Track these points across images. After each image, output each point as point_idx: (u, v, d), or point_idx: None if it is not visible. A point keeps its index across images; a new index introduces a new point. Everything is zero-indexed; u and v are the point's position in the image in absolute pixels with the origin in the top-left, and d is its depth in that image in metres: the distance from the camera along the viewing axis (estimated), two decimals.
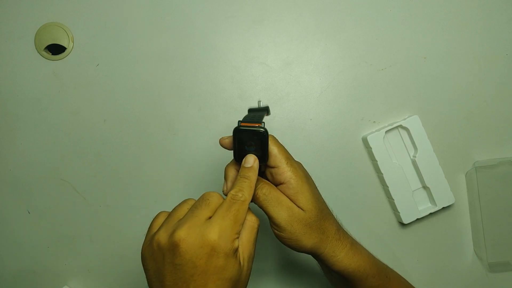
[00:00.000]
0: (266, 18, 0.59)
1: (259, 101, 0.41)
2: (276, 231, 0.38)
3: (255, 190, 0.38)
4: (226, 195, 0.39)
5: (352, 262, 0.40)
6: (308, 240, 0.38)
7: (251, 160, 0.38)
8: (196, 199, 0.36)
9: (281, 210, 0.37)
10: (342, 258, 0.40)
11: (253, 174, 0.37)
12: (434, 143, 0.57)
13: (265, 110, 0.41)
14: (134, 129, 0.59)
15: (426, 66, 0.59)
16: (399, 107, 0.59)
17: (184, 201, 0.37)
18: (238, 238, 0.33)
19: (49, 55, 0.59)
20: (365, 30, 0.59)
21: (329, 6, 0.59)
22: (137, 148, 0.59)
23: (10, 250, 0.60)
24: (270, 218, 0.38)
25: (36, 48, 0.59)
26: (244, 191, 0.35)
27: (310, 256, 0.41)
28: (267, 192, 0.38)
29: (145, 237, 0.35)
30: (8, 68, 0.59)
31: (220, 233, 0.32)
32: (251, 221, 0.35)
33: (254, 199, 0.38)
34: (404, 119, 0.57)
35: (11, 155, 0.59)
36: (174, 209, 0.36)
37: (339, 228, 0.41)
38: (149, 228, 0.36)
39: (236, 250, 0.33)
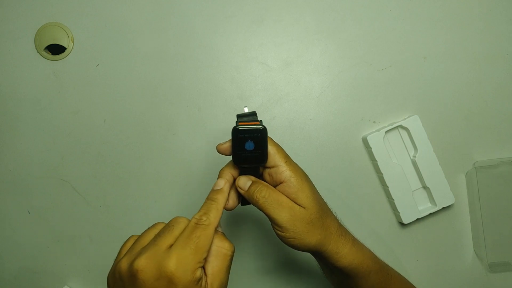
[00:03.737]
0: (266, 18, 0.59)
1: (245, 107, 0.40)
2: (278, 232, 0.38)
3: (254, 193, 0.37)
4: None
5: (355, 258, 0.40)
6: (311, 237, 0.38)
7: (221, 183, 0.37)
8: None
9: (282, 211, 0.37)
10: (346, 254, 0.39)
11: (222, 197, 0.36)
12: (434, 143, 0.57)
13: (255, 114, 0.39)
14: (134, 129, 0.59)
15: (426, 66, 0.59)
16: (399, 107, 0.59)
17: (153, 226, 0.35)
18: (201, 267, 0.31)
19: (49, 55, 0.59)
20: (365, 30, 0.59)
21: (329, 6, 0.59)
22: (137, 148, 0.59)
23: (10, 250, 0.60)
24: (271, 219, 0.38)
25: (36, 48, 0.59)
26: (210, 214, 0.34)
27: (308, 255, 0.41)
28: (266, 194, 0.37)
29: (114, 261, 0.34)
30: (8, 68, 0.59)
31: (177, 263, 0.30)
32: (224, 248, 0.33)
33: (254, 203, 0.38)
34: (404, 119, 0.57)
35: (11, 155, 0.59)
36: (142, 234, 0.34)
37: (340, 225, 0.41)
38: (118, 252, 0.35)
39: (198, 281, 0.31)
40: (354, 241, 0.41)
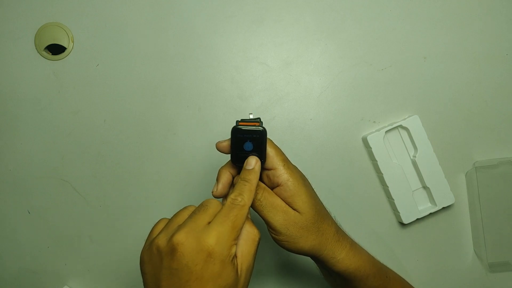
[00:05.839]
0: (266, 18, 0.59)
1: (250, 114, 0.40)
2: (272, 234, 0.38)
3: None
4: (214, 196, 0.39)
5: (352, 263, 0.40)
6: (305, 242, 0.38)
7: (252, 162, 0.37)
8: (196, 202, 0.36)
9: (276, 214, 0.37)
10: (343, 259, 0.39)
11: (254, 177, 0.36)
12: (434, 143, 0.57)
13: (258, 120, 0.39)
14: (134, 129, 0.59)
15: (426, 66, 0.59)
16: (399, 107, 0.59)
17: (185, 208, 0.36)
18: (235, 244, 0.33)
19: (49, 55, 0.59)
20: (365, 30, 0.59)
21: (329, 6, 0.59)
22: (137, 148, 0.59)
23: (10, 250, 0.60)
24: (266, 222, 0.38)
25: (36, 48, 0.59)
26: (244, 195, 0.35)
27: (307, 257, 0.41)
28: (262, 197, 0.37)
29: (145, 242, 0.35)
30: (8, 68, 0.59)
31: (217, 239, 0.31)
32: (253, 233, 0.35)
33: None
34: (404, 119, 0.57)
35: (11, 155, 0.59)
36: (174, 215, 0.36)
37: (338, 230, 0.41)
38: (150, 233, 0.36)
39: (233, 257, 0.32)
40: (352, 246, 0.41)
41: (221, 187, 0.39)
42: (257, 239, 0.35)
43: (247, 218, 0.35)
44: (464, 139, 0.59)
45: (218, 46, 0.59)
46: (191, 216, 0.34)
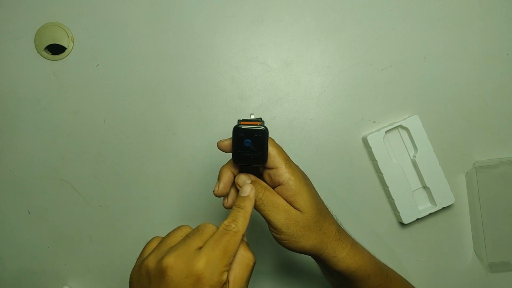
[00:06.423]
0: (266, 18, 0.59)
1: (251, 114, 0.40)
2: (274, 233, 0.38)
3: None
4: (216, 195, 0.39)
5: (353, 262, 0.40)
6: (306, 241, 0.38)
7: (247, 189, 0.37)
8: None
9: (278, 213, 0.37)
10: (344, 258, 0.39)
11: (249, 204, 0.36)
12: (434, 143, 0.57)
13: (260, 121, 0.39)
14: (134, 129, 0.59)
15: (426, 66, 0.59)
16: (399, 107, 0.59)
17: (178, 228, 0.36)
18: (227, 271, 0.32)
19: (49, 55, 0.59)
20: (365, 30, 0.59)
21: (329, 6, 0.59)
22: (137, 148, 0.59)
23: (10, 250, 0.60)
24: (267, 221, 0.38)
25: (36, 48, 0.59)
26: (238, 221, 0.34)
27: (308, 257, 0.41)
28: (263, 196, 0.37)
29: (136, 261, 0.35)
30: (8, 68, 0.59)
31: (207, 264, 0.31)
32: (247, 258, 0.34)
33: None
34: (404, 119, 0.57)
35: (11, 155, 0.59)
36: (167, 235, 0.35)
37: (339, 229, 0.41)
38: (141, 252, 0.35)
39: (224, 284, 0.31)
40: (353, 245, 0.41)
41: (222, 186, 0.39)
42: (251, 263, 0.34)
43: (242, 242, 0.35)
44: (464, 139, 0.59)
45: (218, 46, 0.59)
46: (184, 239, 0.33)
